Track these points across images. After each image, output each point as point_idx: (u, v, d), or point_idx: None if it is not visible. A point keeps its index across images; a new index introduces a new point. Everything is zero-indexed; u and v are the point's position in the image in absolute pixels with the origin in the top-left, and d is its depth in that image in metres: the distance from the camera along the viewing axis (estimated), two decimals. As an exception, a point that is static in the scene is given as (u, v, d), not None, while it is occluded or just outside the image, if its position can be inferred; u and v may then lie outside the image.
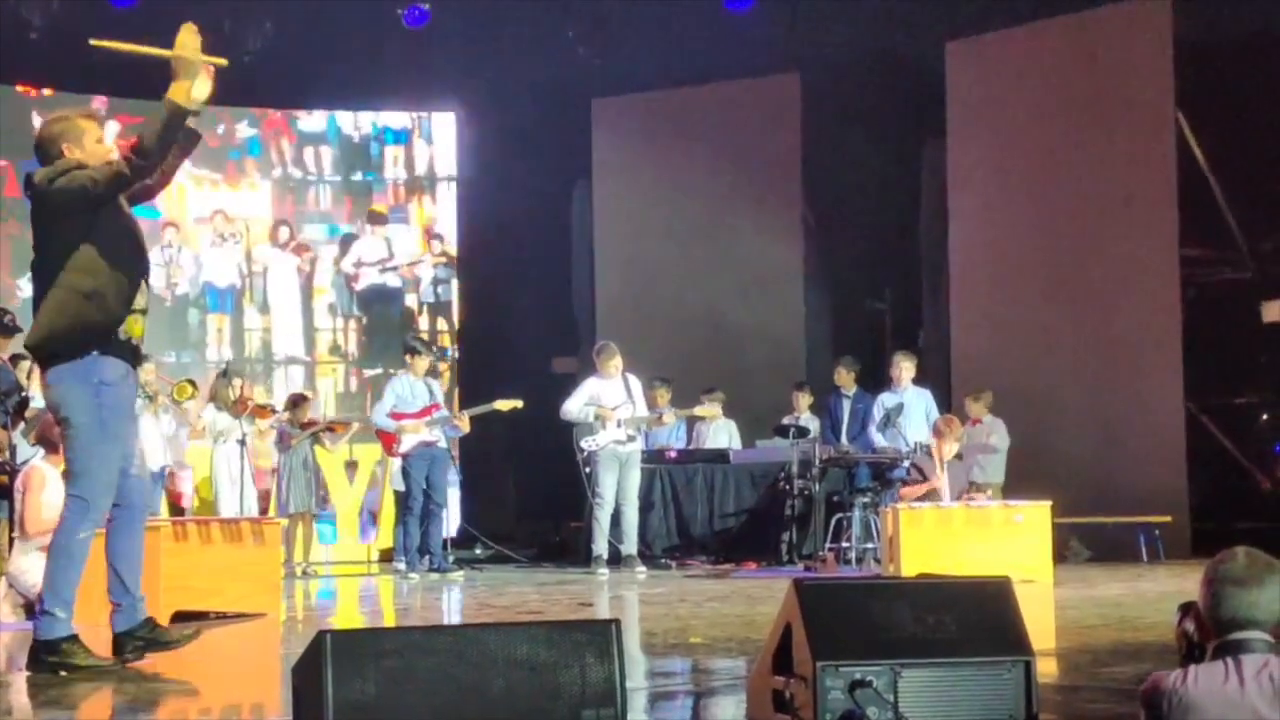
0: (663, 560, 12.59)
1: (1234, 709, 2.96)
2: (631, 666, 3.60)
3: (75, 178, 5.36)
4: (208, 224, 16.14)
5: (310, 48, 14.85)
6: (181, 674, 5.39)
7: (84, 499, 5.34)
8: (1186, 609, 3.22)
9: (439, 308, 16.66)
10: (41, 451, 8.38)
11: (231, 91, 14.95)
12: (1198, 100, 13.12)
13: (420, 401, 11.88)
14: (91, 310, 5.33)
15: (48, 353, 5.43)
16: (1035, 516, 10.03)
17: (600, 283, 15.96)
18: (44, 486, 8.10)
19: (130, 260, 5.44)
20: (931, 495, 10.59)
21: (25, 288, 14.09)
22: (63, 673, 5.28)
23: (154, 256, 14.61)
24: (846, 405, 13.05)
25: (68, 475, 5.50)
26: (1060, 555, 11.04)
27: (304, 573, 12.21)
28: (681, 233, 15.49)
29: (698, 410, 12.84)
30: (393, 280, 16.60)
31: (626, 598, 9.59)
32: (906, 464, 11.36)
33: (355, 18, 14.79)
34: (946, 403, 12.76)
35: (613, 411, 11.92)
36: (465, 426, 12.16)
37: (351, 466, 13.81)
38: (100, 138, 5.60)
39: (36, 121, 14.51)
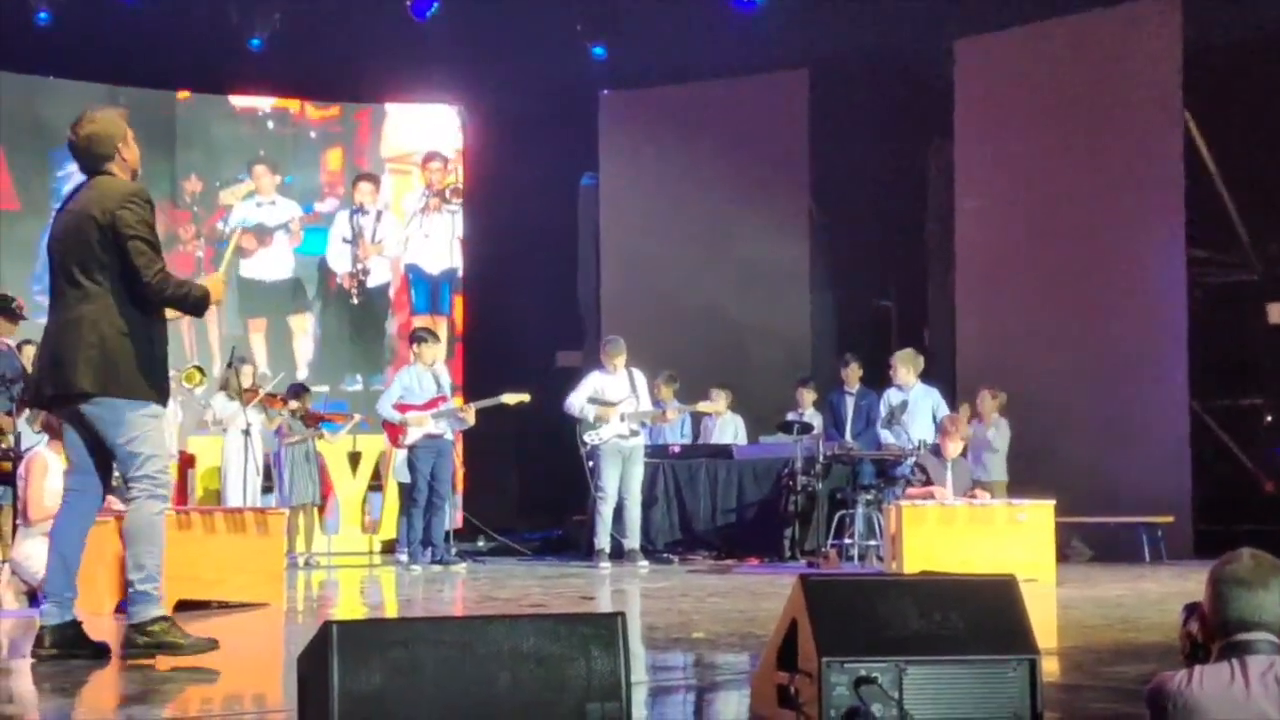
0: (665, 555, 12.60)
1: (1239, 710, 2.96)
2: (633, 661, 3.60)
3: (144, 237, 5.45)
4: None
5: (317, 38, 14.84)
6: (183, 662, 5.39)
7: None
8: (1192, 610, 3.21)
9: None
10: (46, 438, 8.38)
11: (238, 80, 15.14)
12: (1206, 101, 13.10)
13: (428, 393, 11.83)
14: None
15: None
16: (1038, 515, 10.01)
17: (605, 277, 15.95)
18: (46, 473, 8.10)
19: None
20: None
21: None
22: (160, 654, 5.39)
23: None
24: (850, 402, 13.04)
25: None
26: (1062, 555, 11.04)
27: (306, 564, 12.22)
28: (687, 228, 15.48)
29: (701, 405, 12.84)
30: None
31: (629, 592, 9.59)
32: (910, 461, 11.35)
33: (362, 9, 14.78)
34: (951, 401, 12.75)
35: (615, 407, 11.92)
36: (471, 419, 12.03)
37: (354, 458, 13.82)
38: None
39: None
